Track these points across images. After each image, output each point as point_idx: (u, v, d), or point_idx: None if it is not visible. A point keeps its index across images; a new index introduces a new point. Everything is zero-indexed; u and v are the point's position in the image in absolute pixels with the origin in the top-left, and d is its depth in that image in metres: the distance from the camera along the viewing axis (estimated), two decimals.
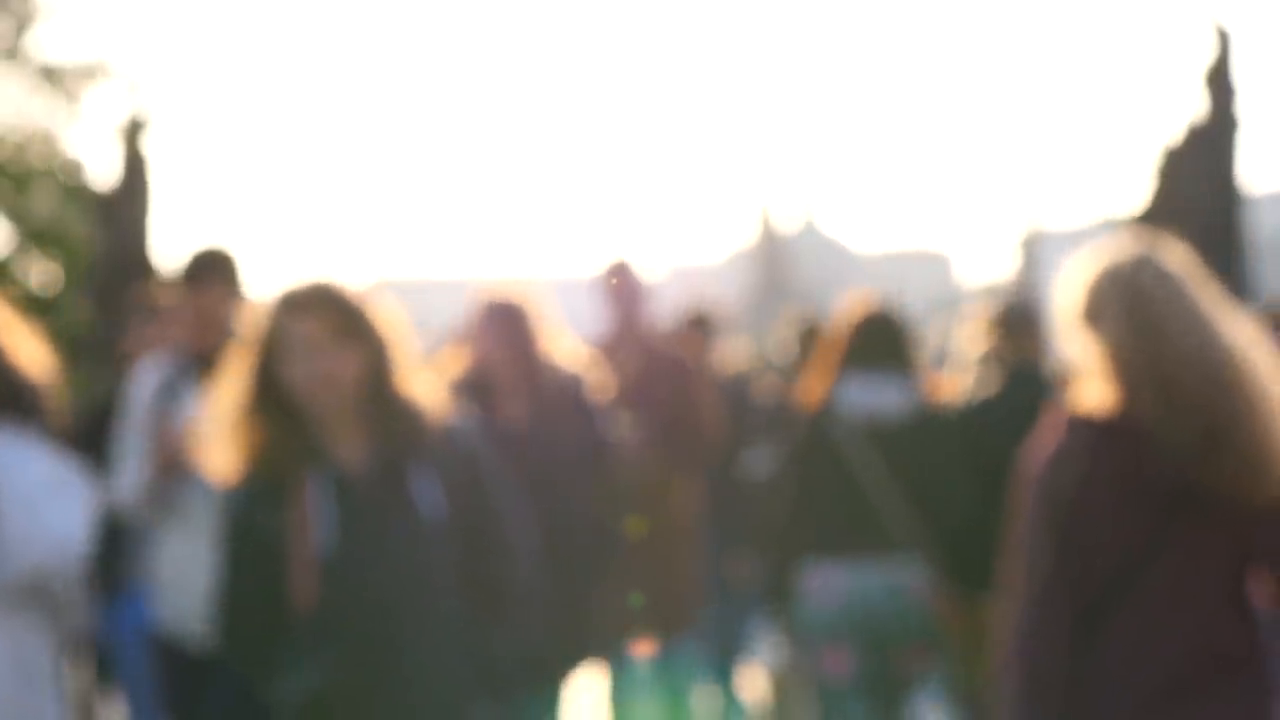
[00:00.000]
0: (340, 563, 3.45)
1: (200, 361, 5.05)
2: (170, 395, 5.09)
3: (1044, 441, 3.30)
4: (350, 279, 3.64)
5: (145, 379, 5.24)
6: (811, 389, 5.66)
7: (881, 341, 5.54)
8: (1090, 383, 3.26)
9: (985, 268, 60.85)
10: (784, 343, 9.05)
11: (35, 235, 22.50)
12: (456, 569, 3.56)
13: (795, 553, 5.41)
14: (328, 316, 3.54)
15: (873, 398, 5.45)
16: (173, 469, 4.93)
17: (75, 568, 4.16)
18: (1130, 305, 3.22)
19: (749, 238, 53.32)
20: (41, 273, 22.58)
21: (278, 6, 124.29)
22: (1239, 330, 3.22)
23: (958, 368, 6.81)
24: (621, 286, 6.58)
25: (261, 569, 3.50)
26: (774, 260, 51.90)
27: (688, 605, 6.53)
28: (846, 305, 5.80)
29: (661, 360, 6.56)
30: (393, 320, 3.65)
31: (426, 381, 3.68)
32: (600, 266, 6.65)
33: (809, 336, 8.13)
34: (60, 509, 3.91)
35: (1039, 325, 6.33)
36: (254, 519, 3.53)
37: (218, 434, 3.60)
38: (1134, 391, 3.18)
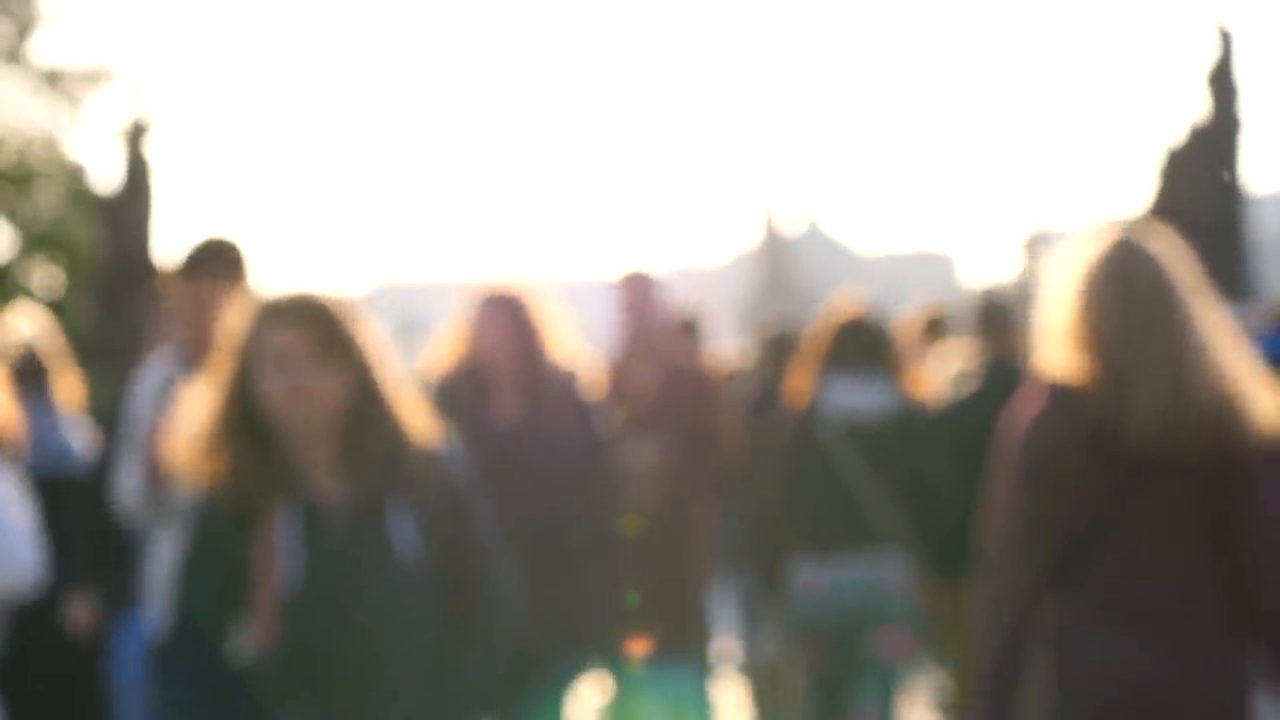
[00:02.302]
0: (306, 601, 3.22)
1: (202, 358, 4.64)
2: (169, 395, 4.76)
3: (1023, 406, 3.56)
4: (346, 285, 3.41)
5: (146, 379, 4.99)
6: (797, 391, 5.88)
7: (862, 344, 5.76)
8: (1069, 352, 3.48)
9: (989, 268, 60.80)
10: (752, 348, 9.13)
11: (38, 239, 22.54)
12: (432, 606, 3.32)
13: (785, 549, 5.64)
14: (309, 329, 3.28)
15: (854, 398, 5.66)
16: (164, 474, 4.63)
17: (34, 582, 4.15)
18: (1108, 283, 3.46)
19: (753, 239, 53.36)
20: (44, 276, 22.62)
21: (280, 8, 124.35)
22: (1210, 314, 3.46)
23: (938, 367, 6.96)
24: (637, 298, 6.46)
25: (218, 598, 3.27)
26: (778, 261, 51.90)
27: (697, 620, 6.44)
28: (829, 309, 6.04)
29: (680, 375, 6.45)
30: (380, 338, 3.41)
31: (413, 405, 3.42)
32: (615, 276, 6.54)
33: (776, 343, 8.17)
34: (20, 526, 3.90)
35: (1017, 323, 6.51)
36: (217, 544, 3.30)
37: (189, 450, 3.34)
38: (1105, 361, 3.43)
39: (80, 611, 5.94)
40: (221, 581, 3.26)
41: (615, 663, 6.05)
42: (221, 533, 3.29)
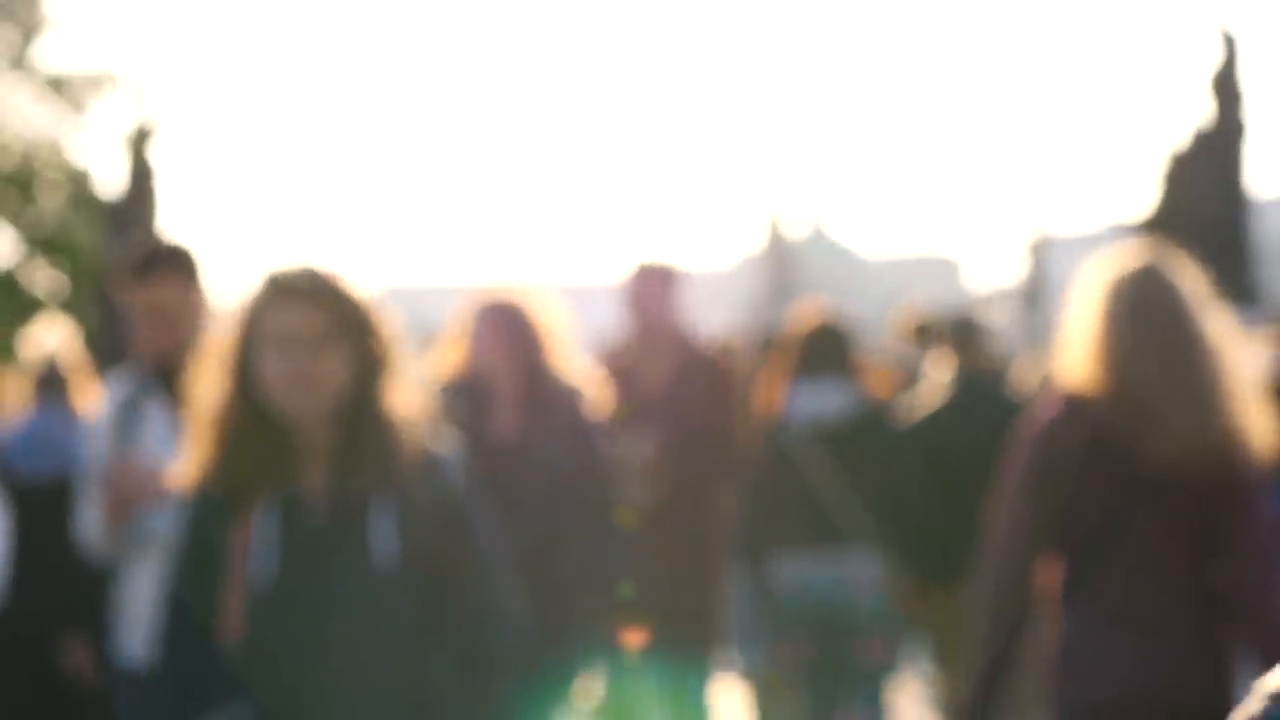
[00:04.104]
0: (272, 595, 3.01)
1: (162, 372, 4.42)
2: (131, 416, 4.48)
3: (1039, 412, 3.78)
4: (352, 274, 3.21)
5: (106, 397, 4.66)
6: (767, 397, 6.12)
7: (826, 350, 6.03)
8: (1087, 367, 3.66)
9: (994, 273, 60.77)
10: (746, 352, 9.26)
11: (42, 244, 22.58)
12: (420, 621, 3.08)
13: (762, 551, 5.87)
14: (315, 309, 3.03)
15: (819, 403, 5.92)
16: (127, 511, 4.33)
17: None
18: (1127, 307, 3.63)
19: (757, 243, 53.39)
20: (48, 281, 22.66)
21: (284, 13, 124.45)
22: (1225, 338, 3.65)
23: (913, 376, 7.28)
24: (652, 290, 6.34)
25: (198, 592, 3.07)
26: (783, 266, 51.93)
27: (701, 617, 6.36)
28: (796, 318, 6.38)
29: (692, 367, 6.37)
30: (391, 323, 3.16)
31: (420, 400, 3.18)
32: (630, 267, 6.40)
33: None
34: None
35: (986, 336, 6.92)
36: (201, 536, 3.09)
37: (192, 434, 3.13)
38: (1124, 382, 3.60)
39: (78, 657, 5.95)
40: (205, 574, 3.07)
41: (612, 655, 5.95)
42: (207, 524, 3.09)
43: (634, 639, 5.98)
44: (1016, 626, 3.64)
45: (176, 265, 4.57)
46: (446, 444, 3.23)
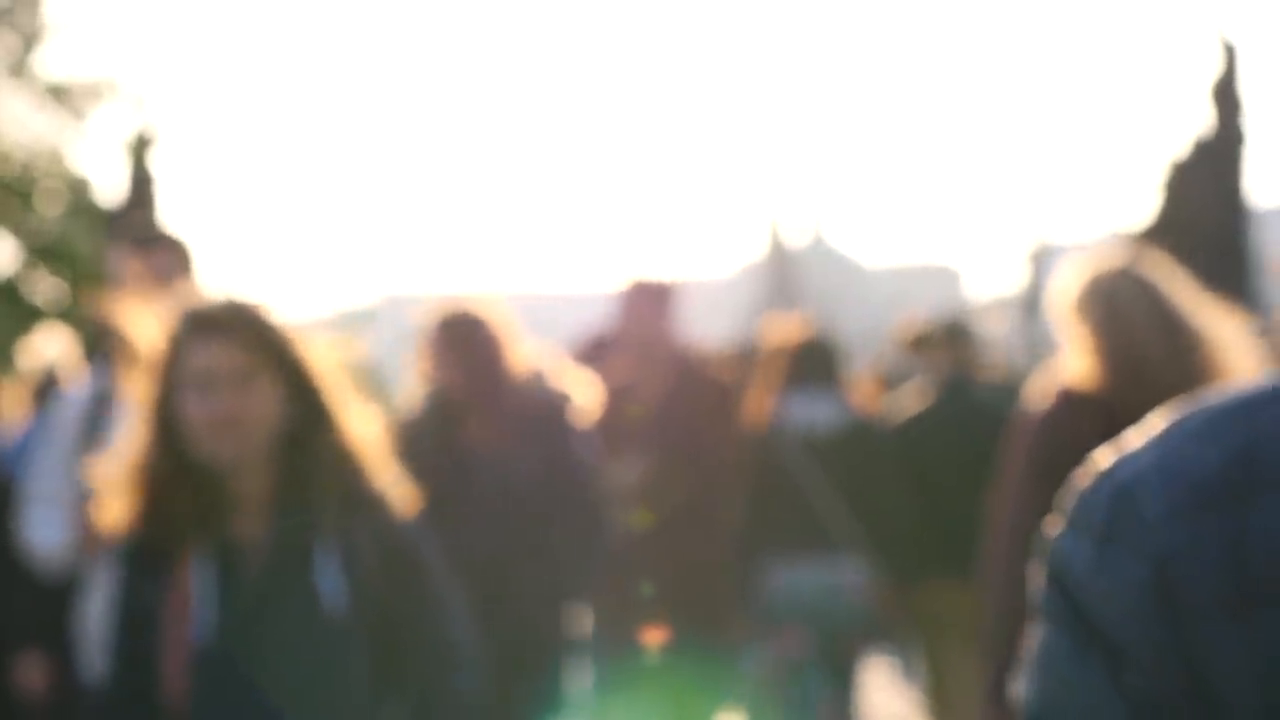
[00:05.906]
0: (215, 654, 2.81)
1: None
2: (99, 411, 4.29)
3: (1037, 407, 3.88)
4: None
5: (69, 400, 4.46)
6: (757, 408, 6.27)
7: (815, 362, 6.24)
8: (1077, 362, 3.78)
9: (994, 281, 60.88)
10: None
11: (42, 252, 22.56)
12: (374, 668, 2.90)
13: (754, 554, 6.03)
14: (238, 345, 2.81)
15: (810, 413, 6.12)
16: (99, 525, 4.20)
17: None
18: (1108, 301, 3.75)
19: (758, 252, 53.43)
20: (48, 289, 22.64)
21: (286, 21, 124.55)
22: (1213, 326, 3.73)
23: (897, 380, 7.50)
24: (648, 301, 6.24)
25: (138, 658, 2.86)
26: (783, 274, 51.96)
27: (720, 628, 6.32)
28: (783, 330, 6.60)
29: (685, 385, 6.22)
30: (326, 356, 2.95)
31: (364, 435, 2.97)
32: (622, 280, 6.32)
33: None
34: None
35: (976, 340, 7.03)
36: (135, 597, 2.89)
37: (114, 481, 2.91)
38: (1105, 370, 3.72)
39: (31, 676, 5.88)
40: (143, 638, 2.86)
41: (630, 653, 5.88)
42: (139, 584, 2.89)
43: (652, 639, 5.96)
44: (1026, 615, 3.67)
45: (175, 245, 4.49)
46: (392, 478, 3.03)
